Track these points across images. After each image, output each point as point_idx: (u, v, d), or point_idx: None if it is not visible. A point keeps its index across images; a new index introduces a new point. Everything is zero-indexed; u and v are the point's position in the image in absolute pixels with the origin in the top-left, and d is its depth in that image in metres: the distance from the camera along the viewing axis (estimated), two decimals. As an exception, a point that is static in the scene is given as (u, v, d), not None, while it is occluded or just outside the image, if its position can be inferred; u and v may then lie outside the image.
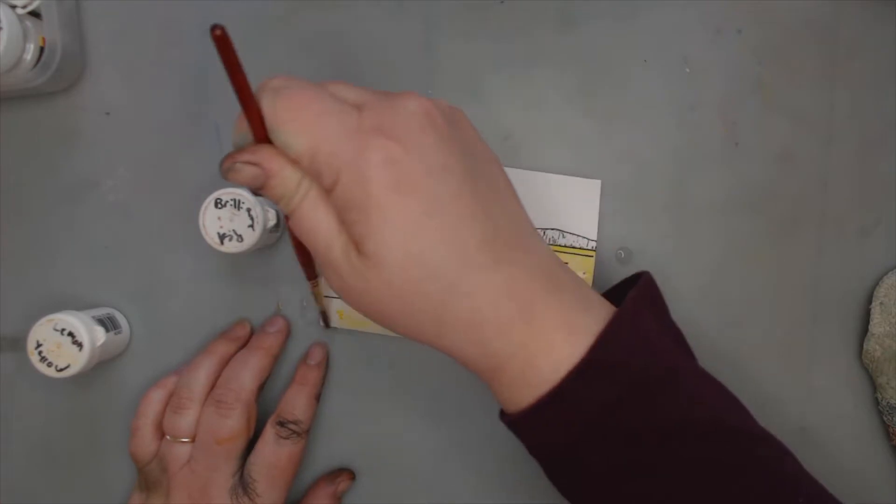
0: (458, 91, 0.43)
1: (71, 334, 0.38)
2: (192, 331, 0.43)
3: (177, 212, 0.43)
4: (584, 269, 0.41)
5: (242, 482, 0.38)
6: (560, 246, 0.42)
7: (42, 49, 0.39)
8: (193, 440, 0.38)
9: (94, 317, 0.40)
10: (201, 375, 0.39)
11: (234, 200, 0.38)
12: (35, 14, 0.39)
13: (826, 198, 0.43)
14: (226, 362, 0.40)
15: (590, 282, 0.42)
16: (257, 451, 0.39)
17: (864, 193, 0.43)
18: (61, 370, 0.38)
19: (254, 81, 0.43)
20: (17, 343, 0.42)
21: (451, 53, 0.43)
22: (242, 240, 0.38)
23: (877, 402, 0.42)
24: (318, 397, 0.41)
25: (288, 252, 0.43)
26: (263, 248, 0.42)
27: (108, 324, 0.40)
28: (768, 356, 0.43)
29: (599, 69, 0.43)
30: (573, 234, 0.42)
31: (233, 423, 0.38)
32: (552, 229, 0.42)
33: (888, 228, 0.43)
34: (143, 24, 0.43)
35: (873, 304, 0.41)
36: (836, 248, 0.43)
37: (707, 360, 0.43)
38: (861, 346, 0.42)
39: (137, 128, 0.43)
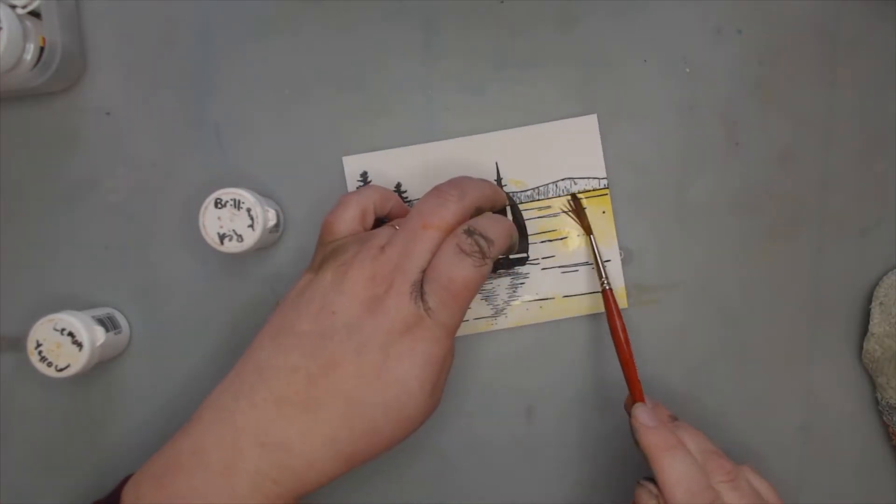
0: (458, 91, 0.43)
1: (71, 334, 0.38)
2: (192, 331, 0.43)
3: (177, 212, 0.43)
4: (602, 207, 0.42)
5: (422, 284, 0.34)
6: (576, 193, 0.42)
7: (42, 49, 0.39)
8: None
9: (94, 317, 0.40)
10: (481, 188, 0.37)
11: (234, 200, 0.38)
12: (35, 14, 0.39)
13: (826, 198, 0.43)
14: (490, 202, 0.38)
15: (612, 220, 0.42)
16: (433, 261, 0.34)
17: (864, 193, 0.43)
18: (61, 370, 0.38)
19: (251, 81, 0.43)
20: (17, 343, 0.42)
21: (451, 53, 0.43)
22: (242, 240, 0.38)
23: (877, 402, 0.42)
24: (510, 243, 0.36)
25: (288, 252, 0.43)
26: (263, 248, 0.42)
27: (108, 324, 0.40)
28: (768, 356, 0.43)
29: (599, 69, 0.43)
30: (583, 177, 0.42)
31: (446, 212, 0.34)
32: (563, 179, 0.42)
33: (888, 228, 0.43)
34: (143, 24, 0.43)
35: (873, 304, 0.41)
36: (836, 248, 0.43)
37: (707, 359, 0.43)
38: (861, 346, 0.42)
39: (137, 128, 0.43)
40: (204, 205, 0.38)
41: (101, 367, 0.42)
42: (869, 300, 0.42)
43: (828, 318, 0.43)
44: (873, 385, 0.42)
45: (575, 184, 0.42)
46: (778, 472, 0.43)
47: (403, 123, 0.43)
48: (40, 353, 0.38)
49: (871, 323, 0.41)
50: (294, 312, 0.35)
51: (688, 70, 0.42)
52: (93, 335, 0.39)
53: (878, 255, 0.43)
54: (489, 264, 0.34)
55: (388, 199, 0.39)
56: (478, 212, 0.37)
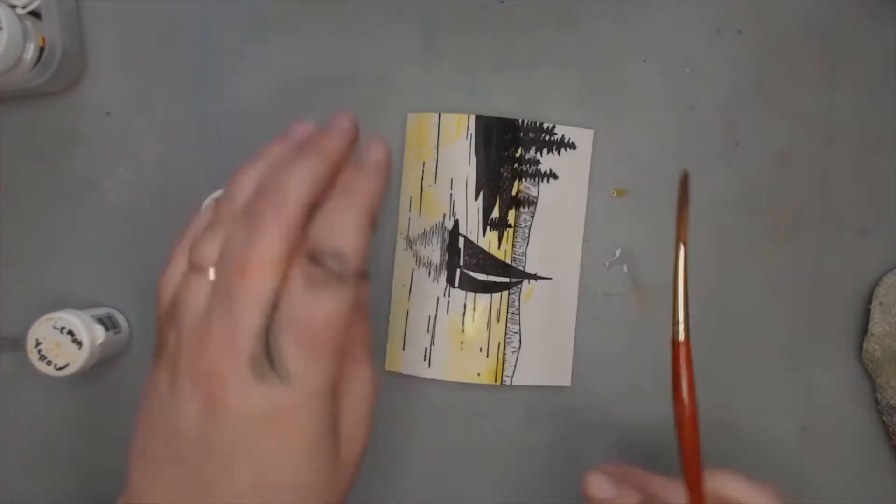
0: (458, 91, 0.43)
1: (70, 333, 0.38)
2: (192, 331, 0.43)
3: (177, 212, 0.43)
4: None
5: (269, 350, 0.25)
6: None
7: (42, 49, 0.39)
8: None
9: (93, 316, 0.40)
10: (246, 185, 0.28)
11: (234, 200, 0.38)
12: (35, 14, 0.39)
13: (826, 198, 0.43)
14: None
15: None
16: (280, 310, 0.25)
17: (864, 193, 0.43)
18: (60, 368, 0.38)
19: (253, 79, 0.43)
20: (17, 343, 0.42)
21: (451, 53, 0.43)
22: (242, 239, 0.38)
23: (877, 402, 0.42)
24: (373, 221, 0.26)
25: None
26: (263, 248, 0.42)
27: (107, 323, 0.40)
28: (768, 356, 0.43)
29: (599, 69, 0.42)
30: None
31: (267, 245, 0.25)
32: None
33: (888, 228, 0.43)
34: (143, 24, 0.43)
35: (873, 304, 0.41)
36: (836, 248, 0.43)
37: (708, 360, 0.43)
38: (861, 346, 0.42)
39: (137, 128, 0.43)
40: (204, 205, 0.38)
41: (101, 367, 0.42)
42: (869, 300, 0.42)
43: (828, 318, 0.43)
44: (873, 385, 0.42)
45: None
46: (778, 472, 0.43)
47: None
48: (40, 351, 0.38)
49: (871, 323, 0.41)
50: (146, 429, 0.28)
51: (688, 70, 0.42)
52: (92, 334, 0.39)
53: (878, 255, 0.43)
54: (352, 282, 0.25)
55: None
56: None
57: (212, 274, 0.26)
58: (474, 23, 0.42)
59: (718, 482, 0.32)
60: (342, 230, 0.25)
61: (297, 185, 0.26)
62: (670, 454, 0.43)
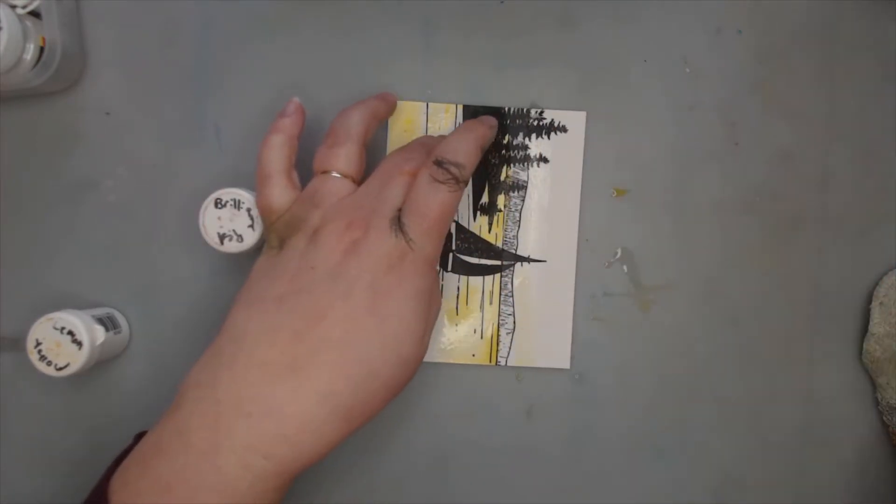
0: (457, 91, 0.43)
1: (70, 333, 0.38)
2: (192, 331, 0.43)
3: (177, 212, 0.43)
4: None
5: (399, 219, 0.34)
6: None
7: (42, 49, 0.39)
8: (349, 179, 0.37)
9: (93, 316, 0.40)
10: (356, 117, 0.38)
11: (234, 200, 0.38)
12: (35, 14, 0.39)
13: (826, 198, 0.43)
14: (377, 117, 0.39)
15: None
16: (409, 196, 0.35)
17: (864, 193, 0.43)
18: (60, 369, 0.38)
19: (253, 79, 0.43)
20: (17, 343, 0.42)
21: (451, 53, 0.43)
22: (242, 240, 0.38)
23: (877, 403, 0.42)
24: (482, 151, 0.38)
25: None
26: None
27: (107, 323, 0.40)
28: (768, 356, 0.43)
29: (599, 69, 0.43)
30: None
31: (416, 163, 0.36)
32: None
33: (888, 228, 0.43)
34: (143, 24, 0.43)
35: (873, 303, 0.41)
36: (836, 248, 0.43)
37: (707, 360, 0.43)
38: (861, 346, 0.42)
39: (137, 128, 0.43)
40: (204, 205, 0.38)
41: (101, 367, 0.42)
42: (869, 300, 0.42)
43: (828, 318, 0.43)
44: (873, 385, 0.42)
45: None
46: (778, 472, 0.43)
47: (403, 123, 0.43)
48: (40, 351, 0.38)
49: (871, 323, 0.41)
50: (266, 281, 0.35)
51: (688, 70, 0.42)
52: (92, 334, 0.39)
53: (878, 255, 0.43)
54: (463, 187, 0.35)
55: (295, 135, 0.38)
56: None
57: (335, 174, 0.36)
58: (474, 23, 0.42)
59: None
60: (464, 150, 0.36)
61: (433, 139, 0.39)
62: (669, 453, 0.43)
